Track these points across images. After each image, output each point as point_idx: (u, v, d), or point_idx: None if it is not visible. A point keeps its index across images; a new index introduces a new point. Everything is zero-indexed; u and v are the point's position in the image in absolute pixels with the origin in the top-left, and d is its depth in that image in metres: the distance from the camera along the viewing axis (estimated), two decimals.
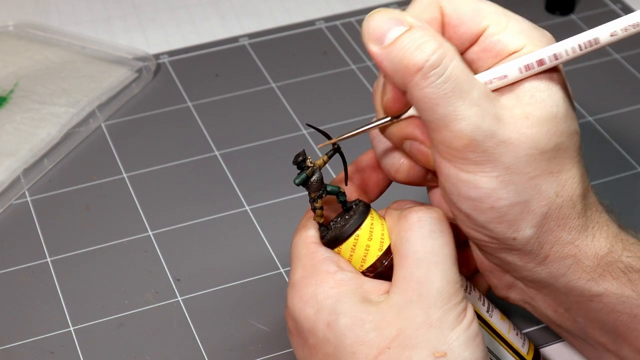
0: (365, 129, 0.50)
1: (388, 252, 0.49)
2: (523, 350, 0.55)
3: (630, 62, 0.85)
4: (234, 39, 0.88)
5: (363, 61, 0.85)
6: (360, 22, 0.90)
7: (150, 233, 0.69)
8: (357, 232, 0.49)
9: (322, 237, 0.50)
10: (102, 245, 0.68)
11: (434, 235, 0.48)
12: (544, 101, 0.46)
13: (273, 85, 0.83)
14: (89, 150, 0.77)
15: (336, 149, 0.50)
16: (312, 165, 0.49)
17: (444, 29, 0.48)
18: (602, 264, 0.49)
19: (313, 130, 0.51)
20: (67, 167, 0.75)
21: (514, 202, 0.47)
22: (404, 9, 0.48)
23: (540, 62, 0.46)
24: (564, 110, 0.47)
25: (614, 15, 0.90)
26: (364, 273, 0.50)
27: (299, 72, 0.84)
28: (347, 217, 0.50)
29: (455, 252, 0.48)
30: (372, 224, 0.49)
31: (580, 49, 0.46)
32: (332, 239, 0.50)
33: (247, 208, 0.71)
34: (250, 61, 0.86)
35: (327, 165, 0.50)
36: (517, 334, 0.55)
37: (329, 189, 0.50)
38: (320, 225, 0.50)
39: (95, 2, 0.93)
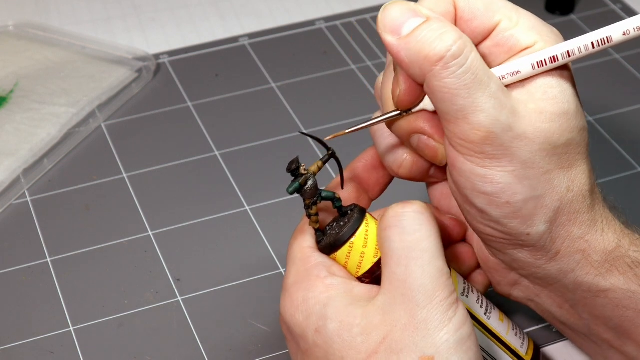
0: (375, 122, 0.49)
1: None
2: (522, 350, 0.55)
3: (630, 62, 0.85)
4: (234, 39, 0.88)
5: (363, 61, 0.85)
6: (360, 22, 0.90)
7: (150, 233, 0.69)
8: (352, 239, 0.49)
9: (318, 243, 0.50)
10: (102, 245, 0.68)
11: (411, 229, 0.46)
12: (556, 98, 0.47)
13: (273, 85, 0.83)
14: (89, 150, 0.77)
15: (331, 154, 0.49)
16: (306, 172, 0.48)
17: (456, 23, 0.48)
18: (610, 259, 0.49)
19: (313, 131, 0.51)
20: (67, 167, 0.75)
21: (528, 196, 0.47)
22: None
23: (553, 59, 0.47)
24: (575, 106, 0.47)
25: (614, 15, 0.90)
26: (361, 279, 0.49)
27: (299, 72, 0.84)
28: (341, 223, 0.50)
29: (438, 244, 0.47)
30: (367, 230, 0.49)
31: (593, 47, 0.46)
32: (327, 246, 0.49)
33: (247, 208, 0.71)
34: (250, 61, 0.86)
35: (326, 165, 0.50)
36: (516, 334, 0.55)
37: (323, 194, 0.49)
38: (316, 230, 0.50)
39: (95, 2, 0.93)
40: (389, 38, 0.46)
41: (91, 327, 0.63)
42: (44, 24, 0.88)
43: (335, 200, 0.50)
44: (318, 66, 0.85)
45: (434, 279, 0.45)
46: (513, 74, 0.47)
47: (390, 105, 0.49)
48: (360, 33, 0.89)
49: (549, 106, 0.46)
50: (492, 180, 0.46)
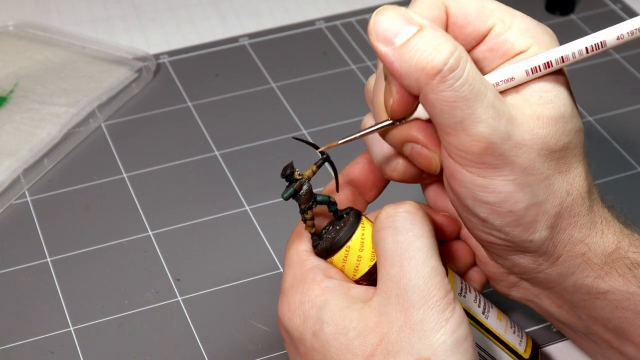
0: (368, 132, 0.49)
1: None
2: (520, 348, 0.55)
3: (630, 62, 0.85)
4: (234, 39, 0.88)
5: (363, 61, 0.85)
6: (360, 22, 0.90)
7: (150, 233, 0.69)
8: (348, 243, 0.49)
9: (314, 247, 0.50)
10: (102, 245, 0.68)
11: (403, 229, 0.46)
12: (552, 102, 0.46)
13: (273, 85, 0.83)
14: (89, 150, 0.77)
15: (325, 159, 0.49)
16: (300, 177, 0.48)
17: (448, 29, 0.47)
18: (610, 261, 0.49)
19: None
20: (67, 167, 0.75)
21: (530, 204, 0.46)
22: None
23: (547, 65, 0.46)
24: (570, 109, 0.47)
25: (614, 15, 0.90)
26: (359, 282, 0.49)
27: (299, 72, 0.84)
28: (337, 227, 0.50)
29: (432, 243, 0.46)
30: (363, 234, 0.49)
31: (587, 52, 0.46)
32: (323, 250, 0.49)
33: (247, 208, 0.71)
34: (250, 61, 0.86)
35: (323, 168, 0.50)
36: (514, 332, 0.55)
37: (319, 199, 0.49)
38: (313, 234, 0.50)
39: (95, 2, 0.93)
40: (381, 48, 0.45)
41: (91, 327, 0.63)
42: (44, 24, 0.88)
43: (330, 204, 0.50)
44: (318, 66, 0.85)
45: (428, 279, 0.45)
46: (507, 80, 0.46)
47: (382, 114, 0.48)
48: (360, 33, 0.89)
49: (545, 110, 0.46)
50: (494, 190, 0.46)
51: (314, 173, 0.49)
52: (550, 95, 0.46)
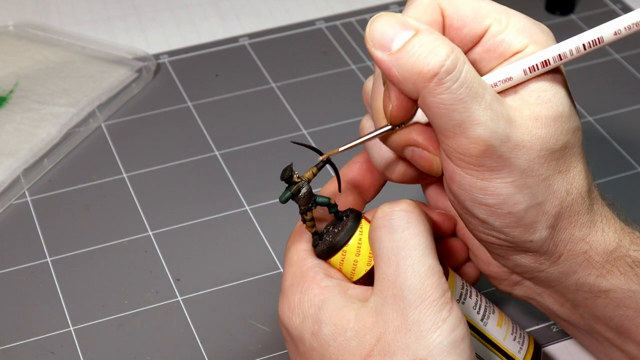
0: (368, 138, 0.49)
1: None
2: (519, 356, 0.54)
3: (630, 62, 0.85)
4: (234, 39, 0.88)
5: (363, 61, 0.85)
6: (360, 22, 0.90)
7: (150, 233, 0.69)
8: (345, 248, 0.49)
9: (314, 246, 0.50)
10: (102, 245, 0.68)
11: (399, 228, 0.46)
12: (550, 101, 0.46)
13: (273, 85, 0.83)
14: (89, 150, 0.77)
15: (326, 161, 0.49)
16: (299, 180, 0.48)
17: (445, 31, 0.47)
18: (611, 260, 0.49)
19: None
20: (67, 167, 0.75)
21: (529, 205, 0.46)
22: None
23: (545, 63, 0.46)
24: (568, 108, 0.47)
25: (614, 15, 0.90)
26: (357, 284, 0.49)
27: (299, 72, 0.84)
28: (336, 230, 0.50)
29: (428, 241, 0.46)
30: (360, 238, 0.49)
31: (585, 49, 0.46)
32: (321, 252, 0.49)
33: (247, 208, 0.71)
34: (250, 61, 0.86)
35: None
36: (514, 338, 0.54)
37: (319, 200, 0.49)
38: (313, 234, 0.50)
39: (95, 2, 0.93)
40: (378, 54, 0.45)
41: (91, 327, 0.63)
42: (44, 24, 0.88)
43: (330, 206, 0.49)
44: (318, 66, 0.85)
45: (425, 278, 0.45)
46: (505, 80, 0.46)
47: (382, 119, 0.48)
48: (360, 33, 0.89)
49: (543, 110, 0.46)
50: (493, 192, 0.46)
51: (314, 175, 0.49)
52: (548, 94, 0.46)
